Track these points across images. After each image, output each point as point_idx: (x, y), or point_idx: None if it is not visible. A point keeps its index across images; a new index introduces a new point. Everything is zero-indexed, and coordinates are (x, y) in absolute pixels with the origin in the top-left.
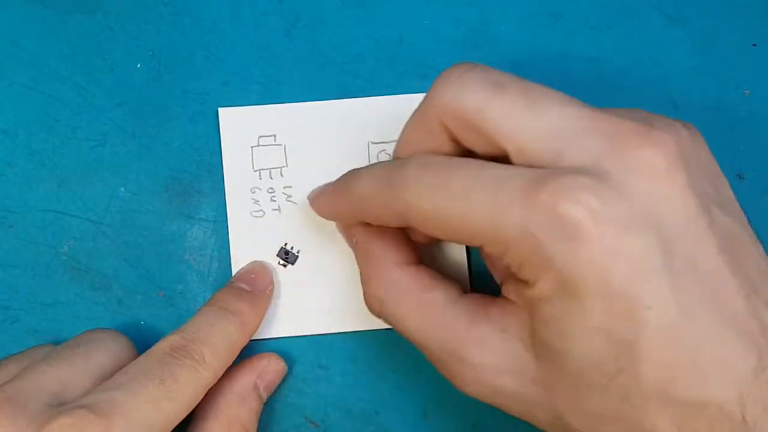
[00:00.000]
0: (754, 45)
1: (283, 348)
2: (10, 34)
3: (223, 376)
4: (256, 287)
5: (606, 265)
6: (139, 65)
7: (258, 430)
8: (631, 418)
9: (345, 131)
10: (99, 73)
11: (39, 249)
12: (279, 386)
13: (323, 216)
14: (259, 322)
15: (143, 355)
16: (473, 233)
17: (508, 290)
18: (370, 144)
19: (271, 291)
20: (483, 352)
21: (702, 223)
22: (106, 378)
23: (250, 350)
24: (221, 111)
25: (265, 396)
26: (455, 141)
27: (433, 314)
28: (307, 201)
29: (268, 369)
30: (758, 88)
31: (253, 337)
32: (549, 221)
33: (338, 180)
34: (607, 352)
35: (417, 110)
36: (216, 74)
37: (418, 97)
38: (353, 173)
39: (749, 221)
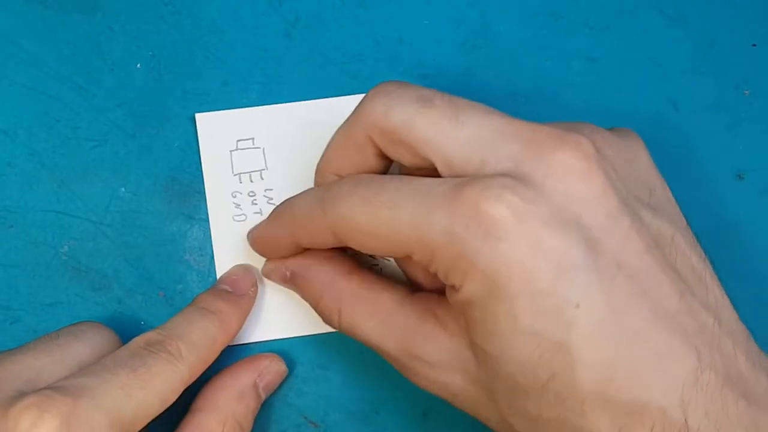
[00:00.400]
0: (754, 45)
1: (283, 348)
2: (10, 34)
3: (223, 372)
4: (238, 289)
5: (529, 263)
6: (139, 65)
7: (257, 430)
8: (571, 421)
9: (323, 131)
10: (99, 73)
11: (39, 249)
12: (279, 386)
13: (263, 253)
14: (242, 322)
15: (119, 349)
16: (401, 242)
17: (447, 293)
18: None
19: (255, 293)
20: (432, 348)
21: (624, 223)
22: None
23: (251, 352)
24: (198, 116)
25: (263, 395)
26: (381, 155)
27: (385, 316)
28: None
29: (269, 369)
30: (758, 88)
31: (254, 340)
32: (471, 221)
33: (272, 211)
34: (539, 355)
35: (344, 125)
36: (216, 74)
37: None
38: (287, 200)
39: (749, 221)
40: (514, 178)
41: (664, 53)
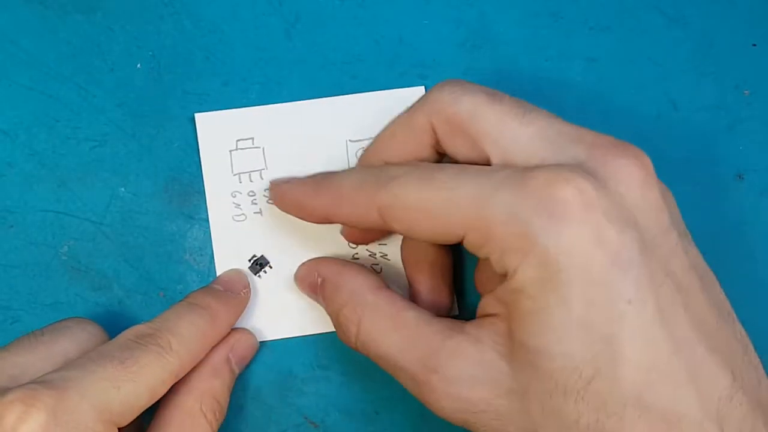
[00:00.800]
0: (754, 45)
1: (284, 348)
2: (10, 34)
3: None
4: (230, 289)
5: (588, 251)
6: (139, 65)
7: (257, 430)
8: (608, 429)
9: (323, 130)
10: (99, 73)
11: (39, 249)
12: (279, 386)
13: (286, 205)
14: (233, 319)
15: (108, 342)
16: (456, 220)
17: (485, 302)
18: (348, 142)
19: (246, 294)
20: (458, 362)
21: (674, 237)
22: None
23: None
24: (198, 116)
25: (237, 370)
26: (436, 148)
27: (408, 332)
28: (269, 185)
29: (240, 343)
30: (758, 88)
31: None
32: (538, 201)
33: (317, 174)
34: (586, 349)
35: (406, 111)
36: (216, 74)
37: (394, 94)
38: (327, 174)
39: (749, 221)
40: (584, 169)
41: (664, 53)
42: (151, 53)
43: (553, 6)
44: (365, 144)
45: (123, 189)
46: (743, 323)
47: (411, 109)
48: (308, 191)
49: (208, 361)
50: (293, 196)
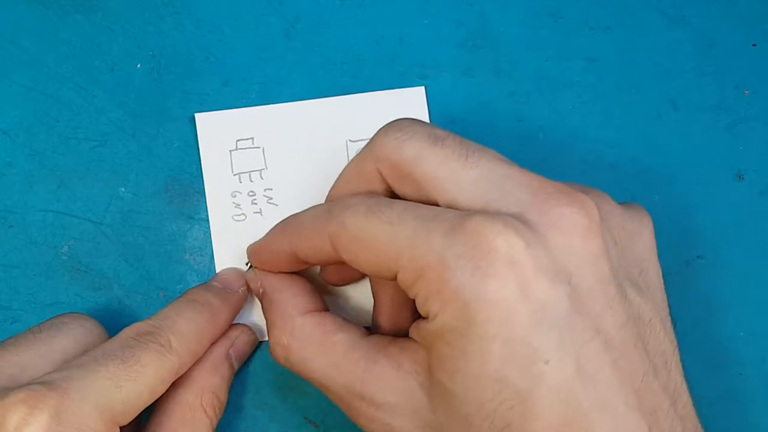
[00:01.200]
0: (754, 45)
1: None
2: (10, 34)
3: None
4: (229, 286)
5: (511, 307)
6: (139, 65)
7: (258, 430)
8: None
9: (323, 130)
10: (99, 73)
11: (39, 249)
12: (279, 386)
13: (260, 264)
14: (232, 317)
15: (109, 340)
16: (393, 258)
17: (411, 329)
18: (348, 142)
19: (245, 291)
20: (381, 389)
21: (610, 292)
22: (68, 362)
23: None
24: (198, 116)
25: (236, 365)
26: (389, 191)
27: (335, 357)
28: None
29: (239, 339)
30: (758, 88)
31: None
32: (467, 251)
33: (277, 224)
34: (500, 402)
35: (356, 157)
36: (216, 74)
37: (395, 94)
38: (293, 214)
39: (749, 221)
40: (520, 220)
41: (664, 53)
42: (151, 53)
43: (553, 6)
44: (365, 144)
45: (123, 189)
46: (743, 323)
47: (359, 155)
48: (275, 232)
49: (208, 356)
50: (261, 251)
